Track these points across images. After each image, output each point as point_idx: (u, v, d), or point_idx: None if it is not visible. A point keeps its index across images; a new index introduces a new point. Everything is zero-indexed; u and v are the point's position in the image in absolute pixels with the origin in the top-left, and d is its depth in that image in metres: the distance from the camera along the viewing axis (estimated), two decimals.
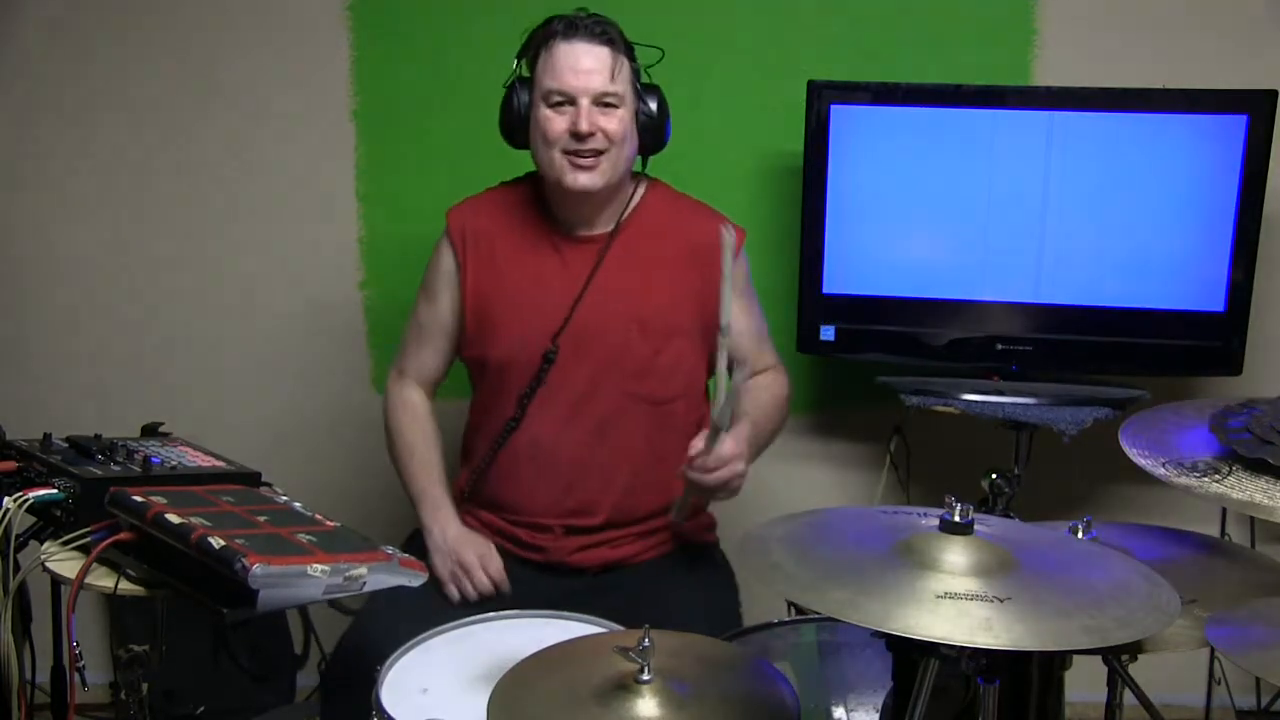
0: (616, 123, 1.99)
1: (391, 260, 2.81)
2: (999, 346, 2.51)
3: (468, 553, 2.04)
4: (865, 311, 2.54)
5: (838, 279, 2.54)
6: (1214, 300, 2.43)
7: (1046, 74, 2.64)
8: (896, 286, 2.53)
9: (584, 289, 2.06)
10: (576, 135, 1.97)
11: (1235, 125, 2.36)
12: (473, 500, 2.17)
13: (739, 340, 2.15)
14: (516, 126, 2.06)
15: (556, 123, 1.98)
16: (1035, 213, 2.45)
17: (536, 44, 2.02)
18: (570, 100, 1.98)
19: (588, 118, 1.97)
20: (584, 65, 1.97)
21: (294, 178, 2.80)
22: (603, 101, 1.98)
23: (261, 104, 2.77)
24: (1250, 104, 2.35)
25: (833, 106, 2.46)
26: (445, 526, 2.08)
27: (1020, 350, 2.50)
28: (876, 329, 2.55)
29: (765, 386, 2.20)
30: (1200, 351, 2.46)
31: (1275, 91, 2.35)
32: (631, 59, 2.04)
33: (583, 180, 1.99)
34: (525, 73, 2.06)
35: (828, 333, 2.56)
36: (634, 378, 2.08)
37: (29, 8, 2.74)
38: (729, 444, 1.89)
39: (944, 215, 2.50)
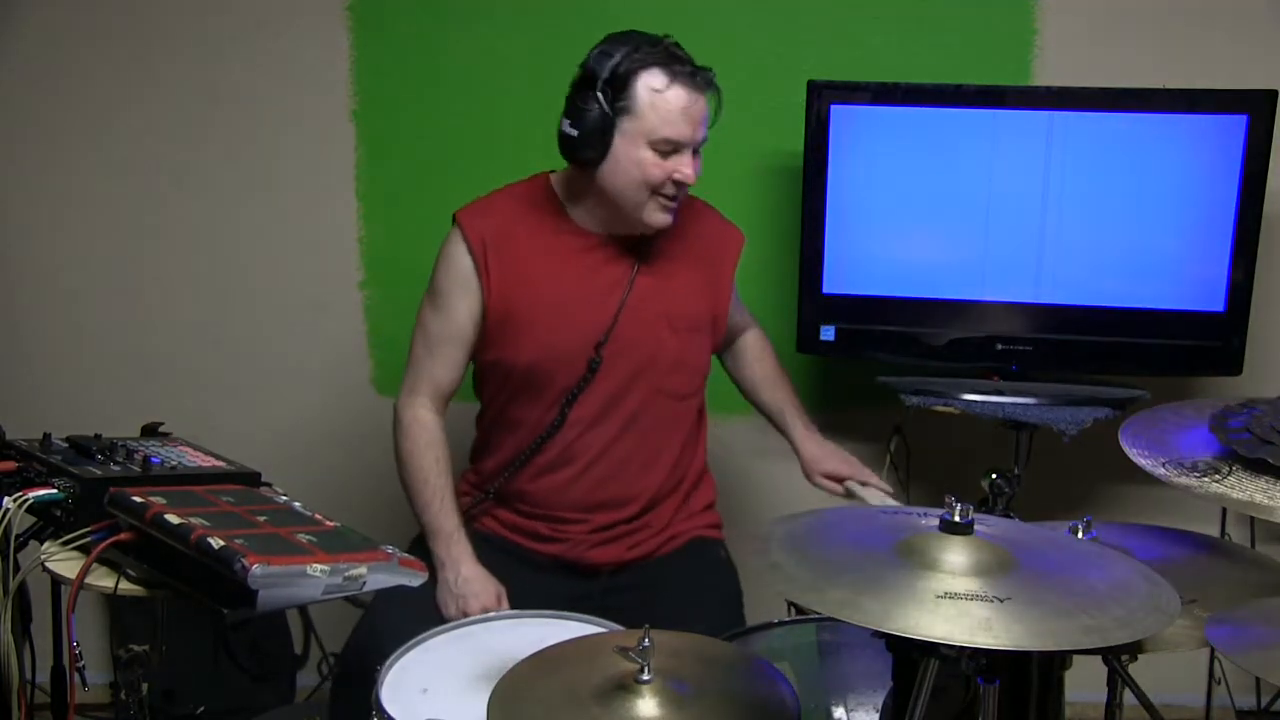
0: (699, 166, 2.02)
1: (391, 260, 2.81)
2: (999, 346, 2.51)
3: (473, 605, 1.98)
4: (865, 311, 2.54)
5: (838, 279, 2.54)
6: (1214, 300, 2.43)
7: (1046, 74, 2.64)
8: (896, 286, 2.53)
9: (627, 293, 2.07)
10: (678, 183, 1.98)
11: (1235, 125, 2.36)
12: (490, 496, 2.16)
13: (734, 312, 2.27)
14: (594, 146, 1.97)
15: (661, 169, 1.97)
16: (1035, 213, 2.45)
17: (630, 70, 1.94)
18: (677, 149, 1.97)
19: (692, 167, 1.99)
20: (696, 116, 1.97)
21: (294, 178, 2.80)
22: (697, 147, 2.01)
23: (261, 104, 2.77)
24: (1250, 104, 2.35)
25: (833, 106, 2.46)
26: (459, 565, 2.02)
27: (1020, 350, 2.50)
28: (876, 329, 2.55)
29: (764, 355, 2.35)
30: (1200, 351, 2.46)
31: (1275, 91, 2.35)
32: None
33: (665, 220, 2.02)
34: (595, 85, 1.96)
35: (828, 333, 2.56)
36: (664, 375, 2.11)
37: (28, 9, 2.74)
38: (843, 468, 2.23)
39: (944, 215, 2.50)
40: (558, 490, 2.10)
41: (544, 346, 2.06)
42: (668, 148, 1.96)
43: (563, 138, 1.98)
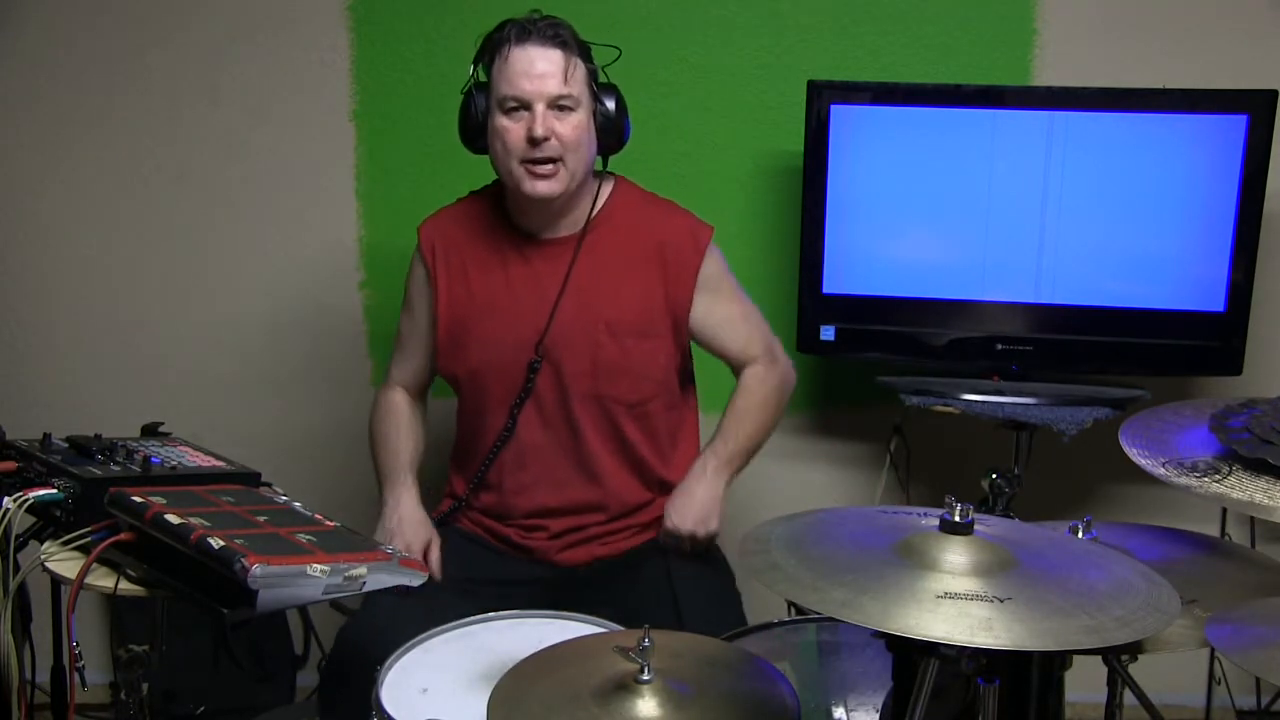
0: (571, 128, 1.97)
1: (391, 260, 2.80)
2: (999, 346, 2.51)
3: (397, 544, 2.03)
4: (865, 311, 2.54)
5: (838, 279, 2.54)
6: (1214, 300, 2.43)
7: (1046, 74, 2.64)
8: (896, 286, 2.53)
9: (560, 295, 2.06)
10: (532, 140, 1.96)
11: (1235, 125, 2.36)
12: (466, 504, 2.19)
13: (722, 328, 2.17)
14: (476, 133, 2.04)
15: (514, 131, 1.97)
16: (1035, 213, 2.45)
17: (491, 49, 2.00)
18: (525, 106, 1.96)
19: (543, 122, 1.95)
20: (537, 69, 1.95)
21: (294, 178, 2.80)
22: (557, 105, 1.97)
23: (261, 104, 2.77)
24: (1250, 104, 2.35)
25: (833, 106, 2.46)
26: (399, 502, 2.10)
27: (1020, 350, 2.50)
28: (876, 329, 2.55)
29: (747, 390, 2.18)
30: (1200, 351, 2.46)
31: (1275, 91, 2.35)
32: (587, 60, 2.02)
33: (542, 188, 1.99)
34: (482, 78, 2.04)
35: (828, 333, 2.56)
36: (607, 381, 2.09)
37: (28, 9, 2.74)
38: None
39: (944, 215, 2.50)
40: (515, 496, 2.13)
41: (485, 351, 2.09)
42: (514, 105, 1.97)
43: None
